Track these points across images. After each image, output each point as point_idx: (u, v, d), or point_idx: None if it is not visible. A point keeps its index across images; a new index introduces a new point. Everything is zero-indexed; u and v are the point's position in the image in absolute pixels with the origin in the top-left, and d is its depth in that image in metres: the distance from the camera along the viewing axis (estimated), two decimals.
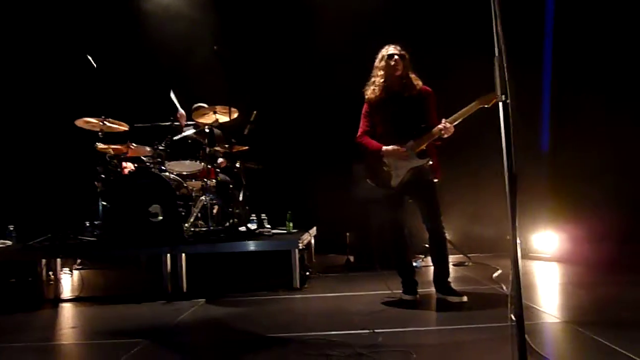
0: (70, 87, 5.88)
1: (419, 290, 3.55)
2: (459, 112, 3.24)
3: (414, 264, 4.79)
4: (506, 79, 1.56)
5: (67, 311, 3.81)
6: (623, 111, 5.37)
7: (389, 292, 3.66)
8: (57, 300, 4.17)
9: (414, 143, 3.36)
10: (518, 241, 1.66)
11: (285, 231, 5.11)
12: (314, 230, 5.71)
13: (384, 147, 3.40)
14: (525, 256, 5.25)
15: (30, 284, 4.43)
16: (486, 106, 3.13)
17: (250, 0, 6.36)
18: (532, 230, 5.39)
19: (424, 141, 3.35)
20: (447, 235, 5.38)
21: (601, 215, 5.05)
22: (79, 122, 4.78)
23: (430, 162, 3.41)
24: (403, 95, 3.43)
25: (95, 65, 4.87)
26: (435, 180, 3.48)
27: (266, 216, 5.47)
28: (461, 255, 5.31)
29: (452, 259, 5.22)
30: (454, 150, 3.72)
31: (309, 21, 6.21)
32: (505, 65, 1.56)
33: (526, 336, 1.75)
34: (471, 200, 5.74)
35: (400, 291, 3.57)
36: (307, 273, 4.65)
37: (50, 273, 4.83)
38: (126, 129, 5.01)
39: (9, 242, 4.93)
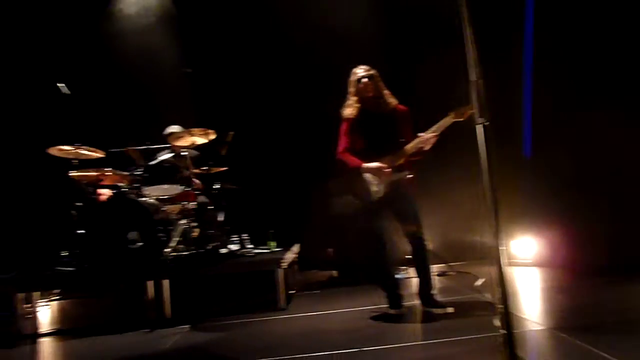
0: (43, 116, 5.78)
1: (404, 303, 3.56)
2: (435, 126, 3.33)
3: (397, 276, 4.84)
4: (484, 103, 1.60)
5: (48, 346, 3.70)
6: (607, 113, 5.33)
7: (374, 307, 3.67)
8: (36, 335, 4.05)
9: (392, 158, 3.43)
10: (504, 260, 1.70)
11: (267, 250, 5.08)
12: (296, 248, 5.69)
13: (365, 165, 3.45)
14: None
15: (6, 319, 4.29)
16: (460, 119, 3.23)
17: (223, 19, 6.37)
18: (511, 236, 5.48)
19: (402, 156, 3.41)
20: (429, 246, 5.44)
21: (579, 219, 5.13)
22: (53, 151, 4.71)
23: (409, 176, 3.46)
24: (378, 113, 3.50)
25: (68, 92, 4.81)
26: (415, 193, 3.54)
27: (248, 236, 5.43)
28: (443, 265, 5.36)
29: (434, 268, 5.29)
30: (429, 161, 3.78)
31: (284, 39, 6.25)
32: (483, 89, 1.60)
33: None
34: (448, 208, 5.81)
35: (386, 305, 3.58)
36: (292, 292, 4.63)
37: (28, 306, 4.69)
38: (101, 155, 4.95)
39: None
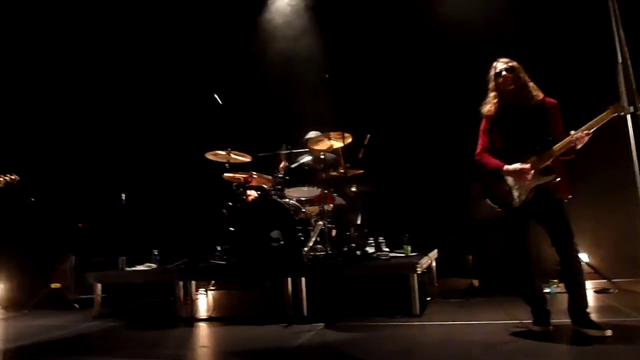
0: (201, 123, 6.46)
1: (552, 320, 3.21)
2: (591, 122, 2.94)
3: (547, 290, 4.39)
4: (633, 87, 1.36)
5: (200, 330, 4.11)
6: None
7: (517, 321, 3.37)
8: (192, 319, 4.53)
9: (537, 159, 3.11)
10: None
11: (403, 254, 5.00)
12: (434, 253, 5.50)
13: (505, 166, 3.18)
14: None
15: (170, 304, 4.88)
16: (622, 114, 2.81)
17: (357, 21, 6.44)
18: None
19: (549, 156, 3.08)
20: (586, 258, 4.85)
21: None
22: (209, 155, 5.25)
23: (558, 179, 3.11)
24: (520, 107, 3.20)
25: (220, 102, 5.31)
26: (567, 199, 3.17)
27: (384, 239, 5.40)
28: (604, 281, 4.72)
29: (594, 284, 4.69)
30: (584, 162, 3.34)
31: (419, 39, 6.13)
32: (631, 72, 1.36)
33: None
34: (612, 214, 5.11)
35: (530, 321, 3.27)
36: (427, 298, 4.48)
37: (187, 293, 5.27)
38: (249, 160, 5.37)
39: (153, 265, 5.49)
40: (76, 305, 5.56)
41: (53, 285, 5.70)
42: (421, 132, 6.19)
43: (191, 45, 6.84)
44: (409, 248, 4.98)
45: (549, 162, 3.10)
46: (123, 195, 6.38)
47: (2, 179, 4.46)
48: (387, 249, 5.25)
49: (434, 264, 5.58)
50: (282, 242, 4.61)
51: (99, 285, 5.02)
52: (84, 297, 5.56)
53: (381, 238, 5.34)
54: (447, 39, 5.74)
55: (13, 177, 4.53)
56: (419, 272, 4.16)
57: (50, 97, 6.83)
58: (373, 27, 6.39)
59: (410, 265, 4.15)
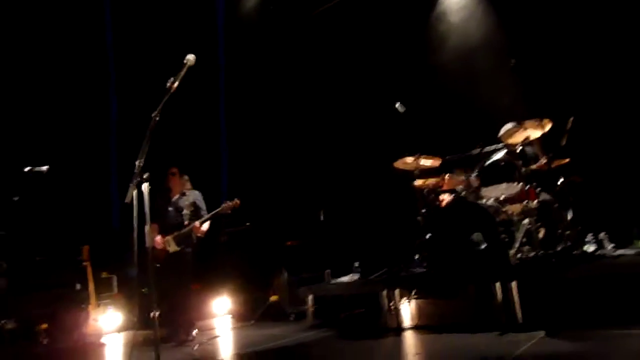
0: (388, 133, 6.54)
1: None
2: None
3: None
4: None
5: (408, 339, 4.08)
6: None
7: None
8: (399, 328, 4.51)
9: None
10: None
11: (634, 251, 4.25)
12: None
13: None
14: None
15: (375, 314, 4.96)
16: None
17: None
18: None
19: None
20: None
21: None
22: (398, 164, 5.27)
23: None
24: None
25: (403, 110, 5.30)
26: None
27: (607, 235, 4.67)
28: None
29: None
30: None
31: None
32: None
33: None
34: None
35: None
36: None
37: (391, 303, 5.31)
38: (437, 164, 5.23)
39: (356, 277, 5.68)
40: (292, 317, 6.04)
41: (272, 298, 6.32)
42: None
43: (371, 59, 7.03)
44: None
45: None
46: (321, 213, 6.82)
47: (229, 204, 5.10)
48: (612, 245, 4.54)
49: None
50: (484, 246, 4.33)
51: (311, 297, 5.38)
52: (298, 309, 6.03)
53: (602, 233, 4.64)
54: None
55: (237, 202, 5.16)
56: None
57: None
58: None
59: None
